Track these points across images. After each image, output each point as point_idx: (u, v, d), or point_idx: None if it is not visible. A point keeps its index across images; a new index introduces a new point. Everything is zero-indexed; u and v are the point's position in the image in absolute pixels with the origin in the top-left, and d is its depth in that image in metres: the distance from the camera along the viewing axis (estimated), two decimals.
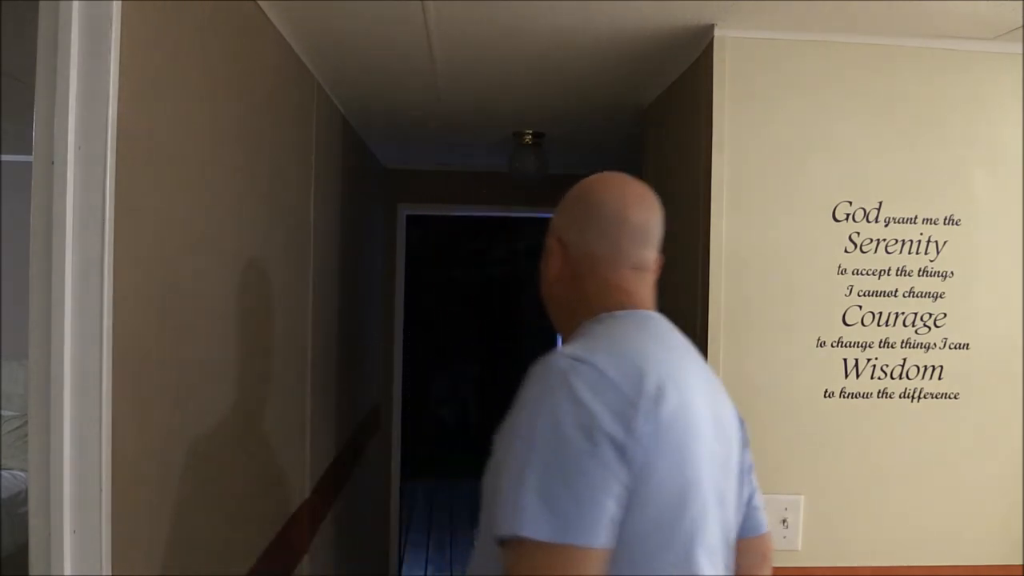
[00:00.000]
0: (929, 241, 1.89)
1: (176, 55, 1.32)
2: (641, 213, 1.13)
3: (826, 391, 1.88)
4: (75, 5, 1.05)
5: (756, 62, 1.86)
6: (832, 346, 1.87)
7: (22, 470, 3.32)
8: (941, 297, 1.89)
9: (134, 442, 1.17)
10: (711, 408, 1.06)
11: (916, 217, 1.89)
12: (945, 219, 1.90)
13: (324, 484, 2.55)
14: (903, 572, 1.89)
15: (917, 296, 1.89)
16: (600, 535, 0.91)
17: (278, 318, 1.98)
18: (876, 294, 1.88)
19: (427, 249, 7.11)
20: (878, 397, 1.88)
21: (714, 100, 1.85)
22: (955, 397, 1.89)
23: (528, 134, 3.26)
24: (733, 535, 1.12)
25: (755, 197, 1.86)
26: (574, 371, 0.95)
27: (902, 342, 1.89)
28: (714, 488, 1.03)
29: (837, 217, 1.88)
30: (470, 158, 4.07)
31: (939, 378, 1.89)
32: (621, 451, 0.92)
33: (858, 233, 1.88)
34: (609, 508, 0.91)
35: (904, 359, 1.89)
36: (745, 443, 1.18)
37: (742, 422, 1.18)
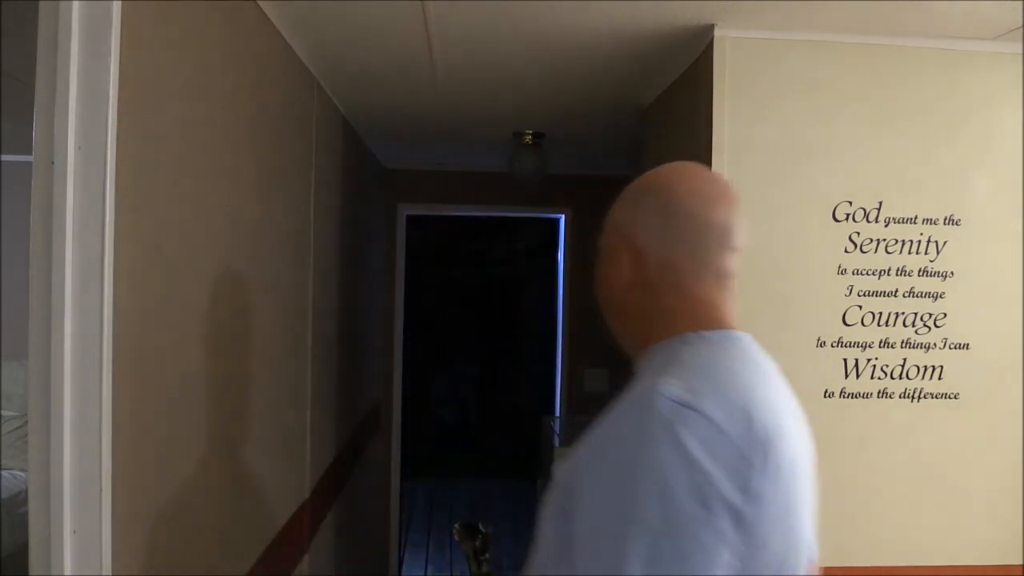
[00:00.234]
0: (929, 241, 1.89)
1: (176, 55, 1.32)
2: (723, 212, 1.01)
3: (826, 391, 1.88)
4: (75, 5, 1.05)
5: (756, 62, 1.86)
6: (832, 346, 1.87)
7: (22, 470, 3.32)
8: (941, 297, 1.89)
9: (134, 442, 1.17)
10: (804, 443, 0.98)
11: (916, 217, 1.89)
12: (945, 219, 1.90)
13: (324, 484, 2.55)
14: (903, 572, 1.88)
15: (917, 296, 1.89)
16: None
17: (278, 317, 1.98)
18: (876, 294, 1.88)
19: (427, 249, 7.10)
20: (878, 397, 1.88)
21: (714, 100, 1.85)
22: (955, 397, 1.90)
23: (528, 134, 3.25)
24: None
25: (755, 197, 1.86)
26: (682, 420, 0.84)
27: (902, 342, 1.89)
28: (807, 542, 0.94)
29: (837, 217, 1.88)
30: (470, 158, 4.07)
31: (939, 378, 1.89)
32: (737, 517, 0.83)
33: (858, 233, 1.88)
34: None
35: (904, 359, 1.89)
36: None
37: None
